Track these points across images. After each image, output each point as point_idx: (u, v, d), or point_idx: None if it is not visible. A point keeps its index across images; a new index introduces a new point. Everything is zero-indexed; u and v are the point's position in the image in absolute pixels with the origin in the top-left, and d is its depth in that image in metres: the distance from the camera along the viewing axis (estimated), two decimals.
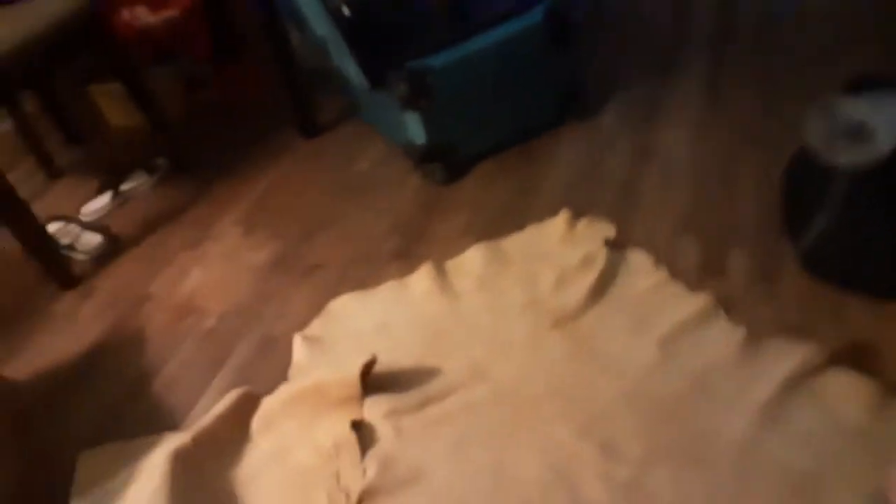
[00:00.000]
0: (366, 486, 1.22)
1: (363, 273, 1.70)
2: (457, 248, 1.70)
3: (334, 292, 1.64)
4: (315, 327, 1.59)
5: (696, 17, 2.31)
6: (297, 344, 1.54)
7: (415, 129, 1.89)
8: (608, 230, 1.64)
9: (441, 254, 1.70)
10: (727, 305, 1.39)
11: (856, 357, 1.23)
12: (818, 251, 1.38)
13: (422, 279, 1.63)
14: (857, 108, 1.21)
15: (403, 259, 1.71)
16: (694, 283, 1.46)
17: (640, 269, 1.53)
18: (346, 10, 1.79)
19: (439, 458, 1.26)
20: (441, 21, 1.91)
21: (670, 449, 1.18)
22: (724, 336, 1.34)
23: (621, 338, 1.40)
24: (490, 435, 1.28)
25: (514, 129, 2.00)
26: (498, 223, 1.75)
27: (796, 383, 1.22)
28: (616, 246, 1.59)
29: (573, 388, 1.33)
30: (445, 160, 1.91)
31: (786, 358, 1.26)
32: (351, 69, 1.91)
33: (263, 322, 1.62)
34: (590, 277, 1.52)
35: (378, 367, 1.40)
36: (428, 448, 1.28)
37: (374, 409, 1.36)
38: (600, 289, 1.50)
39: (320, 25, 1.92)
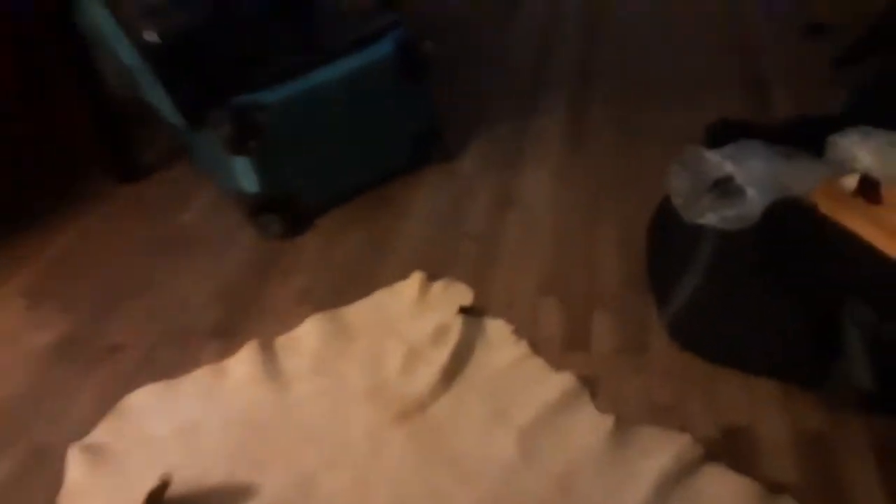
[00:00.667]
0: None
1: (173, 356, 1.39)
2: (291, 321, 1.43)
3: (133, 384, 1.33)
4: (100, 433, 1.26)
5: (557, 56, 2.19)
6: (74, 457, 1.21)
7: (245, 175, 1.62)
8: (465, 295, 1.44)
9: (272, 328, 1.43)
10: (593, 383, 1.22)
11: (731, 448, 1.09)
12: (685, 320, 1.24)
13: (243, 363, 1.35)
14: (723, 162, 1.07)
15: (225, 337, 1.43)
16: (557, 355, 1.29)
17: (499, 342, 1.34)
18: (151, 37, 1.50)
19: None
20: (277, 50, 1.65)
21: None
22: (590, 426, 1.16)
23: (477, 431, 1.19)
24: None
25: (364, 174, 1.77)
26: (342, 287, 1.51)
27: (670, 485, 1.05)
28: (474, 312, 1.39)
29: (420, 500, 1.10)
30: (283, 211, 1.65)
31: (658, 454, 1.09)
32: (164, 105, 1.61)
33: (35, 426, 1.28)
34: (442, 355, 1.30)
35: (175, 488, 1.11)
36: None
37: None
38: (454, 369, 1.29)
39: (125, 53, 1.61)
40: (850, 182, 1.05)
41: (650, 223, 1.38)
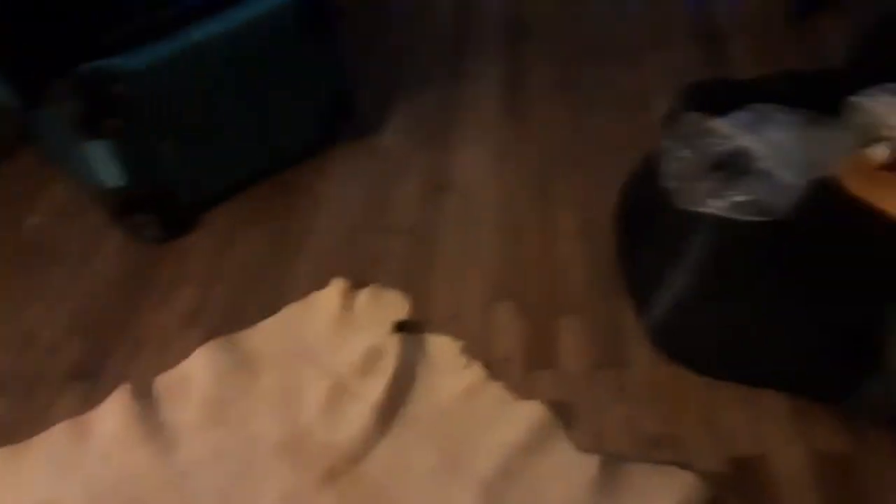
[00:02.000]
0: None
1: (17, 411, 1.05)
2: (176, 354, 1.12)
3: None
4: None
5: (485, 7, 1.91)
6: None
7: (104, 165, 1.26)
8: (398, 307, 1.16)
9: (150, 365, 1.11)
10: (567, 411, 0.98)
11: (743, 483, 0.89)
12: (672, 325, 1.01)
13: (112, 416, 1.03)
14: (736, 134, 0.84)
15: (87, 380, 1.10)
16: (519, 377, 1.04)
17: (447, 366, 1.07)
18: None
19: None
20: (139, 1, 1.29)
21: None
22: (570, 470, 0.92)
23: (427, 488, 0.93)
24: None
25: (262, 157, 1.44)
26: (241, 304, 1.20)
27: None
28: (411, 328, 1.12)
29: None
30: (159, 209, 1.31)
31: (658, 499, 0.87)
32: None
33: None
34: (376, 388, 1.02)
35: None
36: None
37: None
38: (392, 405, 1.02)
39: None
40: (880, 153, 0.84)
41: (618, 208, 1.14)
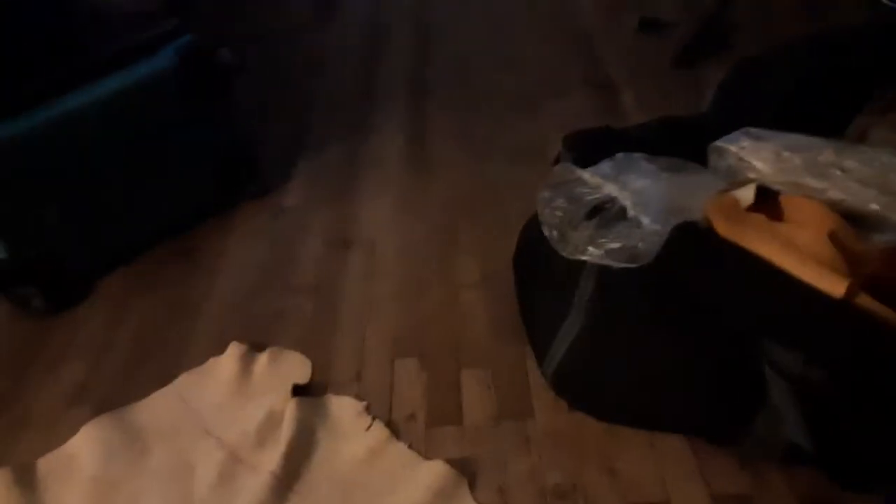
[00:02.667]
0: None
1: None
2: (61, 433, 1.05)
3: None
4: None
5: (385, 63, 1.93)
6: None
7: None
8: (299, 369, 1.13)
9: (32, 446, 1.04)
10: (472, 467, 0.97)
11: None
12: (570, 372, 1.02)
13: None
14: (602, 184, 0.87)
15: None
16: (423, 435, 1.02)
17: (349, 427, 1.04)
18: None
19: None
20: (12, 67, 1.23)
21: None
22: None
23: None
24: None
25: (155, 221, 1.39)
26: (132, 375, 1.15)
27: None
28: (313, 391, 1.09)
29: None
30: (43, 281, 1.24)
31: None
32: None
33: None
34: (273, 456, 0.99)
35: None
36: None
37: None
38: (291, 473, 0.98)
39: None
40: (745, 195, 0.88)
41: (515, 255, 1.15)
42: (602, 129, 1.12)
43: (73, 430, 1.05)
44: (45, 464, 1.02)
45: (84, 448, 1.03)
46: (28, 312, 1.25)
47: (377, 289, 1.27)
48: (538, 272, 1.06)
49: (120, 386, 1.13)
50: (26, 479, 0.99)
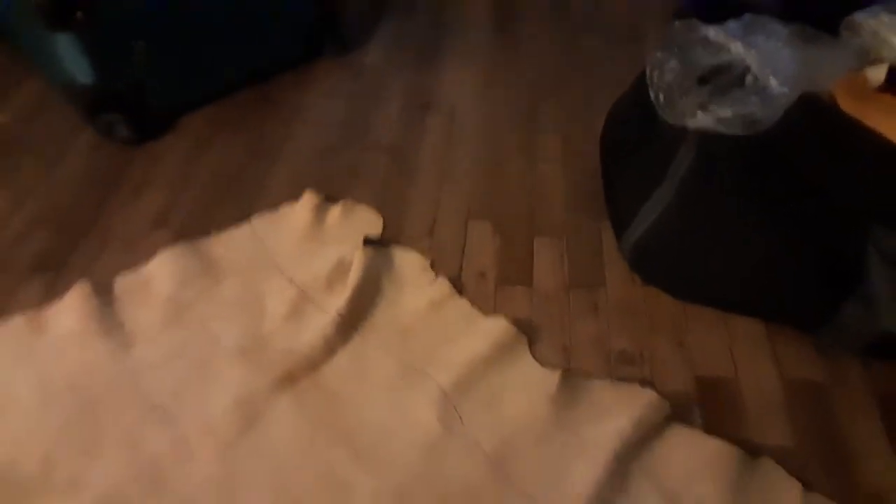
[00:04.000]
0: None
1: None
2: (140, 254, 1.09)
3: None
4: None
5: None
6: None
7: (74, 60, 1.20)
8: (371, 222, 1.13)
9: (113, 263, 1.08)
10: (534, 329, 0.96)
11: (708, 404, 0.87)
12: (651, 247, 0.98)
13: (71, 311, 1.00)
14: (729, 42, 0.79)
15: (51, 271, 1.07)
16: (489, 295, 1.02)
17: (414, 280, 1.05)
18: None
19: None
20: None
21: None
22: (530, 385, 0.90)
23: (385, 397, 0.91)
24: None
25: (242, 66, 1.38)
26: (210, 209, 1.16)
27: (630, 454, 0.82)
28: (381, 243, 1.09)
29: (308, 495, 0.82)
30: (129, 110, 1.26)
31: (614, 416, 0.85)
32: None
33: None
34: (340, 299, 1.00)
35: None
36: None
37: None
38: (355, 315, 0.99)
39: None
40: (876, 74, 0.80)
41: (604, 130, 1.10)
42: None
43: (151, 254, 1.08)
44: (122, 282, 1.06)
45: (160, 271, 1.06)
46: (112, 140, 1.28)
47: (455, 154, 1.24)
48: (630, 144, 1.01)
49: (197, 218, 1.15)
50: (105, 293, 1.04)
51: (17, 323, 1.01)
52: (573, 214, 1.10)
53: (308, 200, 1.16)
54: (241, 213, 1.15)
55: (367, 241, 1.08)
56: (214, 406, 0.90)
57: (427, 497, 0.81)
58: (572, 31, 1.46)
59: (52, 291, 1.04)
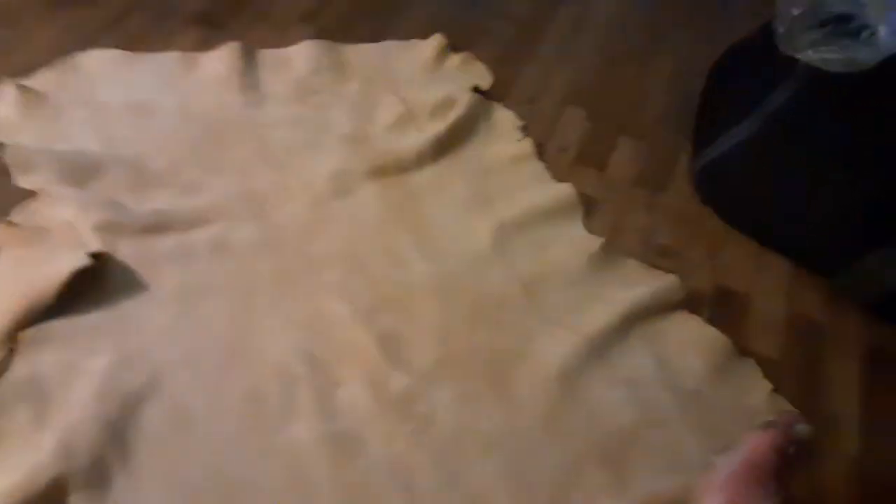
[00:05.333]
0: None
1: (146, 28, 1.20)
2: (286, 37, 1.24)
3: (92, 42, 1.15)
4: (44, 79, 1.10)
5: None
6: (8, 93, 1.05)
7: None
8: (483, 77, 1.25)
9: (262, 37, 1.24)
10: (593, 204, 1.09)
11: (718, 307, 0.99)
12: (718, 171, 1.09)
13: (219, 61, 1.17)
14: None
15: (210, 27, 1.23)
16: (564, 167, 1.14)
17: (503, 134, 1.17)
18: None
19: (155, 310, 0.89)
20: None
21: (468, 364, 0.89)
22: (574, 242, 1.04)
23: (453, 210, 1.06)
24: (238, 297, 0.92)
25: None
26: (353, 22, 1.30)
27: (638, 317, 0.95)
28: (486, 96, 1.22)
29: (371, 258, 0.99)
30: None
31: (636, 286, 0.98)
32: None
33: None
34: (439, 126, 1.14)
35: (111, 151, 0.98)
36: (149, 294, 0.91)
37: (84, 211, 0.94)
38: (447, 143, 1.13)
39: None
40: None
41: (719, 59, 1.18)
42: None
43: (295, 41, 1.24)
44: (266, 54, 1.22)
45: (299, 56, 1.22)
46: None
47: (575, 42, 1.34)
48: (737, 74, 1.10)
49: (338, 25, 1.29)
50: (250, 58, 1.20)
51: (174, 56, 1.18)
52: (662, 127, 1.21)
53: (435, 41, 1.28)
54: (376, 35, 1.29)
55: (475, 90, 1.21)
56: (316, 170, 1.06)
57: (465, 292, 0.96)
58: None
59: (207, 44, 1.20)
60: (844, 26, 0.90)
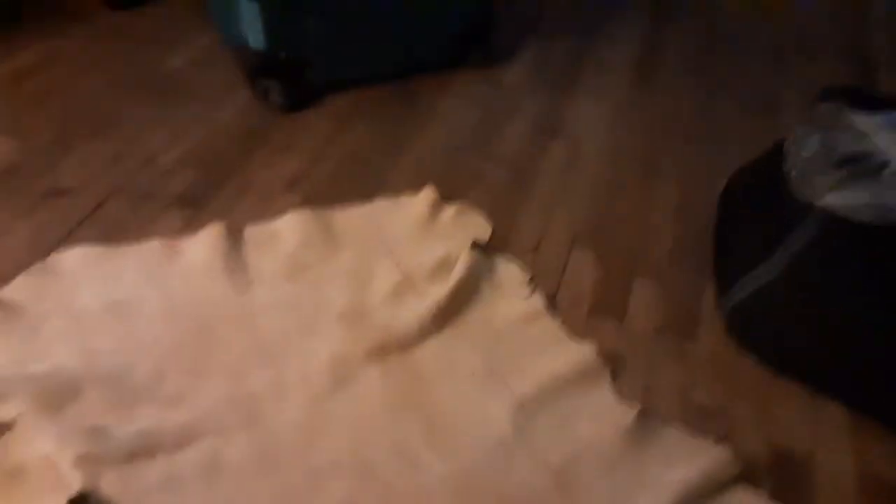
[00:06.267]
0: None
1: (125, 218, 1.15)
2: (272, 209, 1.19)
3: (71, 237, 1.09)
4: (17, 288, 1.03)
5: None
6: None
7: (252, 25, 1.33)
8: (481, 229, 1.19)
9: (246, 213, 1.18)
10: (620, 362, 0.99)
11: (779, 473, 0.88)
12: (751, 314, 1.00)
13: (203, 246, 1.11)
14: (876, 131, 0.82)
15: (191, 207, 1.18)
16: (581, 320, 1.06)
17: (510, 291, 1.10)
18: None
19: None
20: None
21: None
22: (605, 414, 0.93)
23: (465, 389, 0.96)
24: None
25: (390, 60, 1.49)
26: (339, 184, 1.26)
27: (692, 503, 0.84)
28: (487, 250, 1.15)
29: (380, 461, 0.88)
30: (288, 79, 1.38)
31: (684, 464, 0.87)
32: None
33: None
34: (440, 291, 1.06)
35: (90, 367, 0.89)
36: None
37: (63, 443, 0.85)
38: (451, 309, 1.05)
39: None
40: None
41: (726, 189, 1.13)
42: (866, 90, 1.04)
43: (281, 212, 1.18)
44: (252, 230, 1.16)
45: (287, 228, 1.16)
46: (265, 103, 1.40)
47: (572, 181, 1.29)
48: (750, 208, 1.03)
49: (326, 188, 1.24)
50: (235, 237, 1.14)
51: (154, 246, 1.12)
52: (677, 264, 1.13)
53: (427, 195, 1.23)
54: (365, 193, 1.24)
55: (475, 245, 1.14)
56: (313, 358, 0.97)
57: (489, 492, 0.85)
58: (709, 92, 1.49)
59: (190, 226, 1.15)
60: (861, 165, 0.84)
